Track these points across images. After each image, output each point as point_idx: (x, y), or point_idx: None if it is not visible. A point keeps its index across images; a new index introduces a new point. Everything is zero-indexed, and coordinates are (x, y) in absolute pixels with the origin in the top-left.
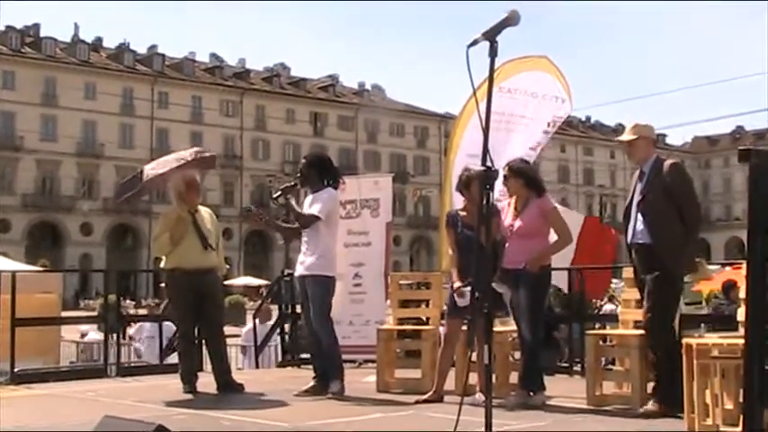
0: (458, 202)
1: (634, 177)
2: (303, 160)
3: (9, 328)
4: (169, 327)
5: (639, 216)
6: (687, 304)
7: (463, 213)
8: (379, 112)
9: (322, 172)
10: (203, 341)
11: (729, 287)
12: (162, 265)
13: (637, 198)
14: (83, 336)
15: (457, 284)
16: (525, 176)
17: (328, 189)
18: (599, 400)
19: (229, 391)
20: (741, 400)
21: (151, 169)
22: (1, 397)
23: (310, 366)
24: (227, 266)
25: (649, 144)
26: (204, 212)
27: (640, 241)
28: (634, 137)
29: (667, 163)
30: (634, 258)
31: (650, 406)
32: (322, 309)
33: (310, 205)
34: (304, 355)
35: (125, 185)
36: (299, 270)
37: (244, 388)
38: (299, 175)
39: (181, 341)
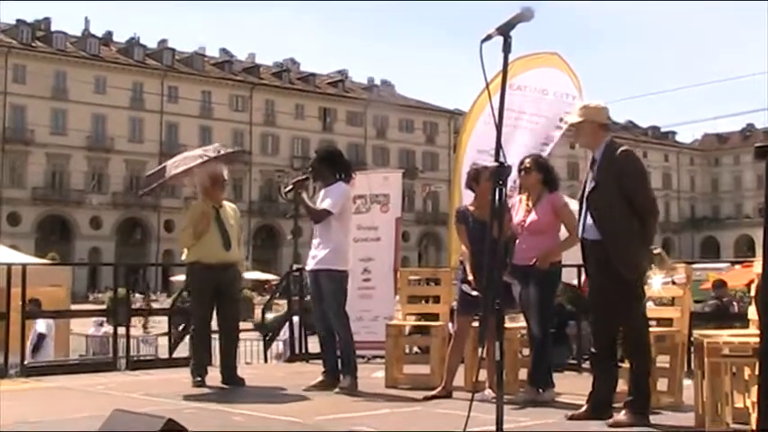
0: (467, 197)
1: (587, 164)
2: (314, 155)
3: (19, 321)
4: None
5: (589, 209)
6: (696, 302)
7: (472, 208)
8: (385, 107)
9: (333, 166)
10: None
11: None
12: (183, 257)
13: (588, 189)
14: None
15: (470, 278)
16: (546, 171)
17: (340, 183)
18: None
19: (233, 385)
20: (753, 398)
21: (174, 165)
22: (11, 390)
23: (319, 361)
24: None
25: (596, 128)
26: (228, 208)
27: (590, 237)
28: (580, 119)
29: (619, 150)
30: (586, 254)
31: (621, 416)
32: (337, 303)
33: (322, 200)
34: (312, 350)
35: (149, 178)
36: (311, 264)
37: (244, 382)
38: (310, 169)
39: (195, 334)
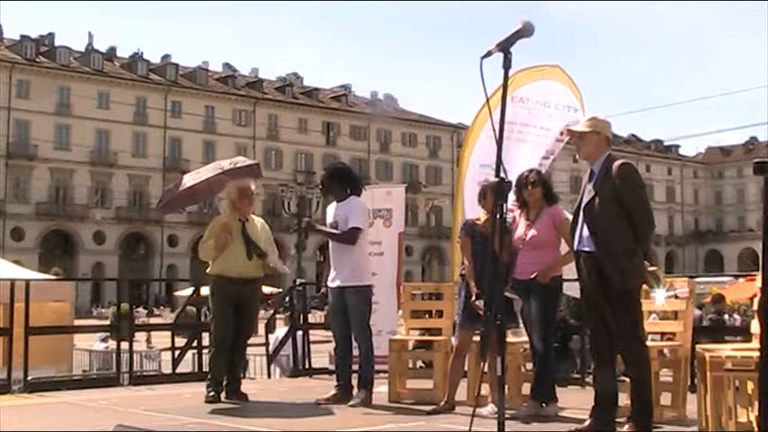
0: (470, 212)
1: (585, 177)
2: (322, 172)
3: (23, 336)
4: None
5: (586, 220)
6: None
7: (479, 223)
8: (386, 119)
9: (343, 181)
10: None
11: None
12: (207, 270)
13: (585, 200)
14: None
15: (474, 295)
16: (546, 186)
17: (354, 197)
18: None
19: (235, 399)
20: (756, 412)
21: (191, 177)
22: (14, 405)
23: (322, 376)
24: (287, 268)
25: (601, 141)
26: (256, 222)
27: (586, 249)
28: (587, 129)
29: (616, 164)
30: (581, 267)
31: (625, 430)
32: (362, 318)
33: (335, 215)
34: (315, 365)
35: (165, 193)
36: (336, 282)
37: (248, 398)
38: (320, 187)
39: (215, 349)
